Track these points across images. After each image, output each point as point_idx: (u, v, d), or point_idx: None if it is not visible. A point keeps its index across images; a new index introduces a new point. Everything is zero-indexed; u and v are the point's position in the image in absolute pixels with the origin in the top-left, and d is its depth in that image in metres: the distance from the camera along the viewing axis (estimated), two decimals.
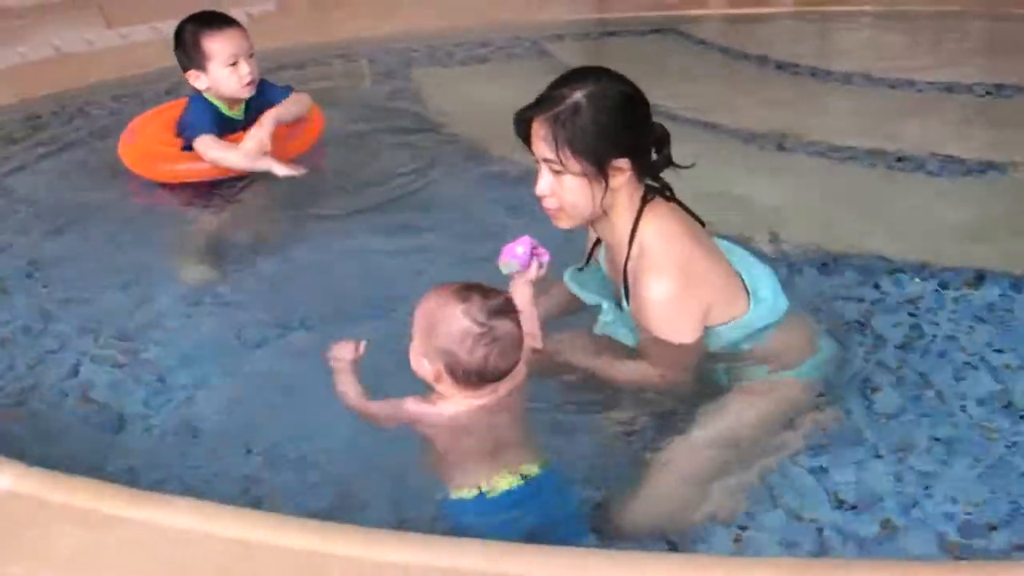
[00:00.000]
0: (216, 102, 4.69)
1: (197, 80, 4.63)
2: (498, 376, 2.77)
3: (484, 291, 2.76)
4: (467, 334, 2.69)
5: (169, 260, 4.34)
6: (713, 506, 2.89)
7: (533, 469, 2.78)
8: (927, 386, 3.38)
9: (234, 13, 4.73)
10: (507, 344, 2.73)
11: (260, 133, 4.60)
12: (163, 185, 4.77)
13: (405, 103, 5.88)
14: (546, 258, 3.16)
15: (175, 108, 4.95)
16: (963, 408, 3.28)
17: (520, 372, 2.88)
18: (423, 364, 2.78)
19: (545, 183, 2.98)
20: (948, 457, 3.08)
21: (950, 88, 6.04)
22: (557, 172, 2.94)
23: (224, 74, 4.58)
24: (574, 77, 2.95)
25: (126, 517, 2.69)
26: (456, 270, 3.63)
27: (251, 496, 3.03)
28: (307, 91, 5.05)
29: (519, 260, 3.12)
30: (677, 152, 3.07)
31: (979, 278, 3.97)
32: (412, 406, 2.83)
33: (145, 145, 4.82)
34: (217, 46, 4.55)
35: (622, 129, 2.92)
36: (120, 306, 4.00)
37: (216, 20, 4.61)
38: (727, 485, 2.94)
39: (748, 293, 3.13)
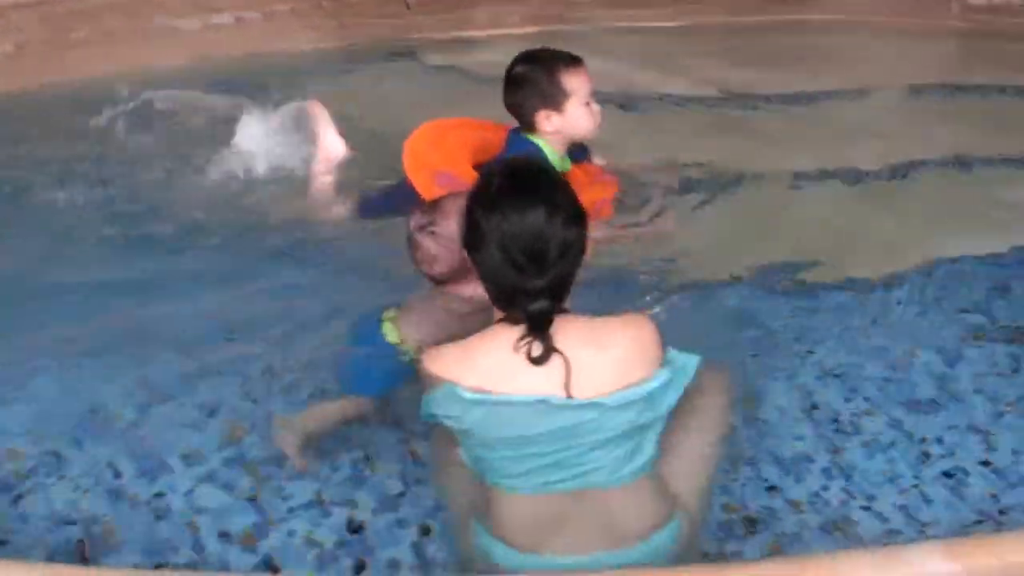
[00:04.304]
0: (549, 150, 4.24)
1: (547, 121, 4.22)
2: (423, 274, 3.32)
3: (433, 210, 3.29)
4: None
5: None
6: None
7: None
8: None
9: None
10: (417, 254, 3.28)
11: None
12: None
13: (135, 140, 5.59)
14: None
15: (467, 128, 4.52)
16: None
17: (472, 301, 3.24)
18: None
19: None
20: None
21: (686, 100, 6.36)
22: None
23: (581, 113, 4.22)
24: (527, 168, 2.79)
25: None
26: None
27: None
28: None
29: None
30: None
31: (727, 286, 4.23)
32: None
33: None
34: (578, 82, 4.20)
35: (467, 231, 2.73)
36: None
37: (569, 56, 4.27)
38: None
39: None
